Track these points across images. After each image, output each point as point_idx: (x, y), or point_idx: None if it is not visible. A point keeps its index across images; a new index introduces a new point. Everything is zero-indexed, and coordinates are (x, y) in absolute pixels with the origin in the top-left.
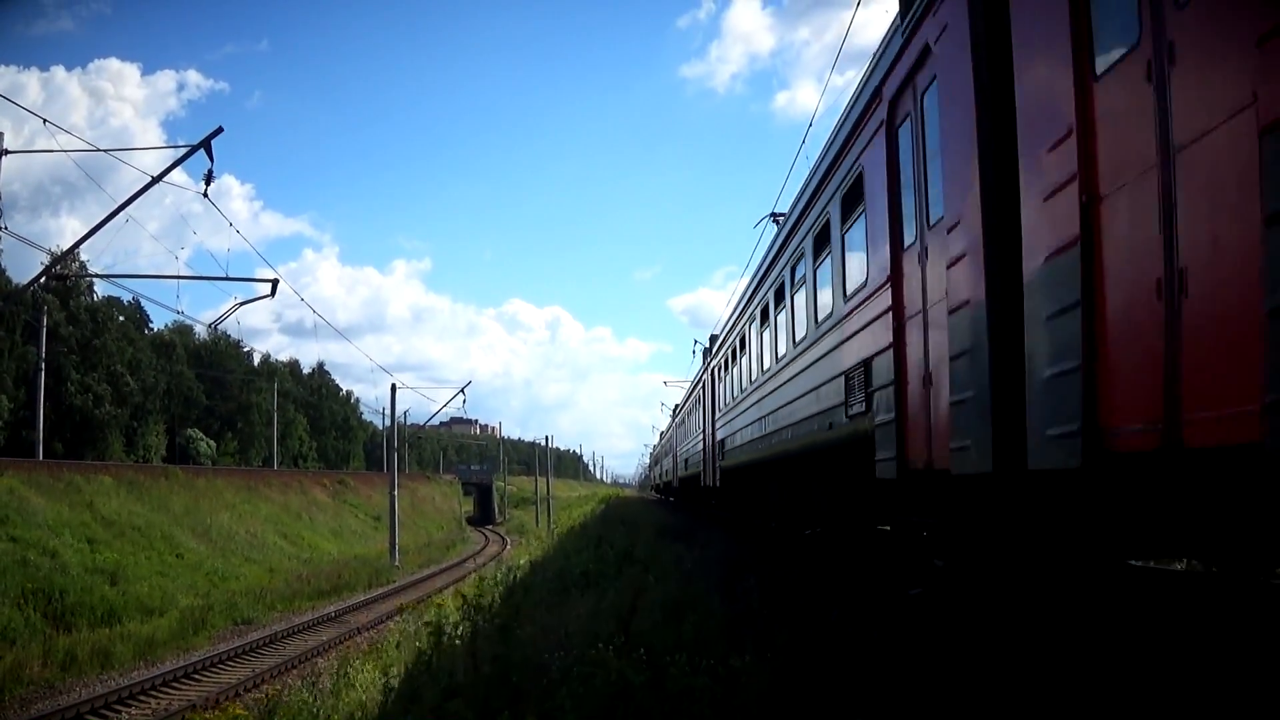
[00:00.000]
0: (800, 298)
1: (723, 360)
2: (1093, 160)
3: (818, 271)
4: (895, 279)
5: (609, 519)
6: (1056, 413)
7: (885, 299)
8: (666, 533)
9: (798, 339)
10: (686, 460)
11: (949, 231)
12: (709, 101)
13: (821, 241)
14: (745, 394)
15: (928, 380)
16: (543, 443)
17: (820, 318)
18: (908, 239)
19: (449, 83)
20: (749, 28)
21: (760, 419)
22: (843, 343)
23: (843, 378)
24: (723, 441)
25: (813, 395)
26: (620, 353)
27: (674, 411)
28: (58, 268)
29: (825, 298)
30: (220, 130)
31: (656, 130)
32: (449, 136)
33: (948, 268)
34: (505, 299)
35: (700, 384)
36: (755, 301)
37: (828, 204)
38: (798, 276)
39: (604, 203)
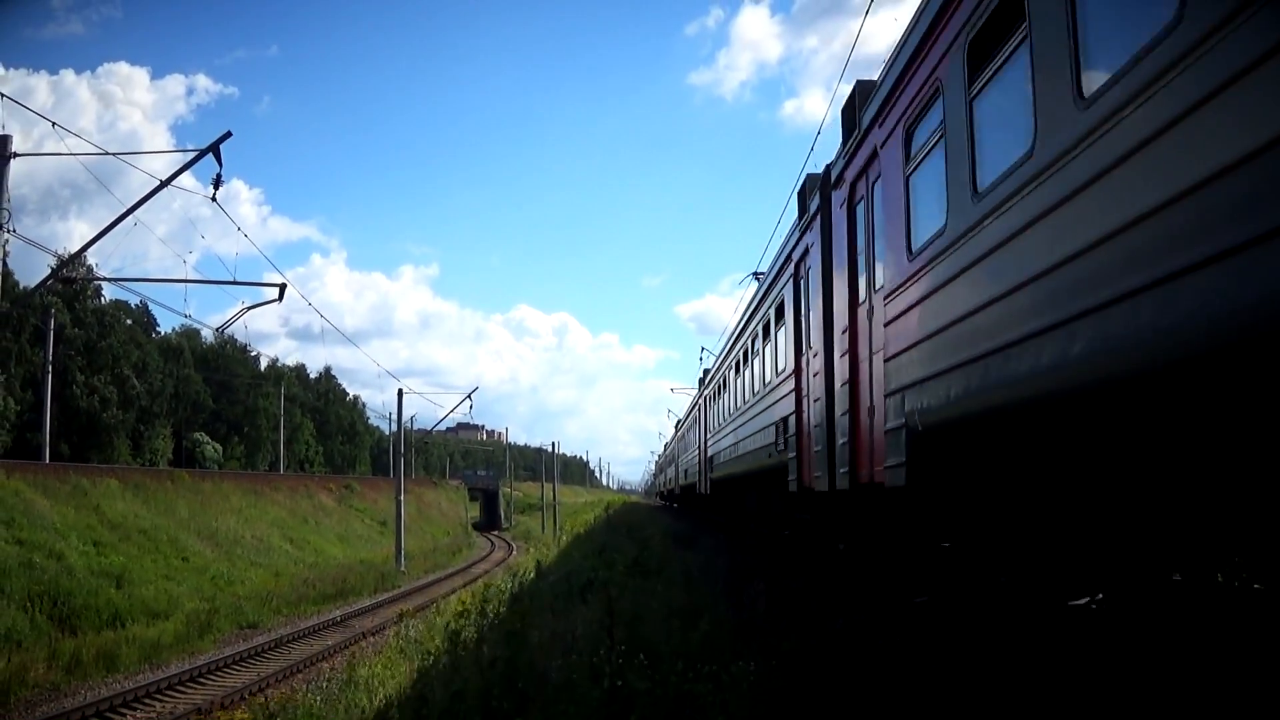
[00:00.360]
0: (757, 362)
1: (713, 390)
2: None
3: (764, 349)
4: (797, 372)
5: (615, 525)
6: (845, 462)
7: (792, 382)
8: (672, 539)
9: (755, 390)
10: (686, 470)
11: (814, 357)
12: (717, 109)
13: (766, 332)
14: (727, 421)
15: (808, 435)
16: (549, 449)
17: (766, 380)
18: (804, 348)
19: (457, 89)
20: (757, 35)
21: (735, 444)
22: (775, 403)
23: (775, 424)
24: (712, 457)
25: (761, 433)
26: (627, 359)
27: (677, 425)
28: (65, 271)
29: (769, 368)
30: (229, 135)
31: (664, 137)
32: (457, 142)
33: (812, 376)
34: (513, 305)
35: (696, 406)
36: (732, 354)
37: (769, 309)
38: (754, 348)
39: (612, 209)
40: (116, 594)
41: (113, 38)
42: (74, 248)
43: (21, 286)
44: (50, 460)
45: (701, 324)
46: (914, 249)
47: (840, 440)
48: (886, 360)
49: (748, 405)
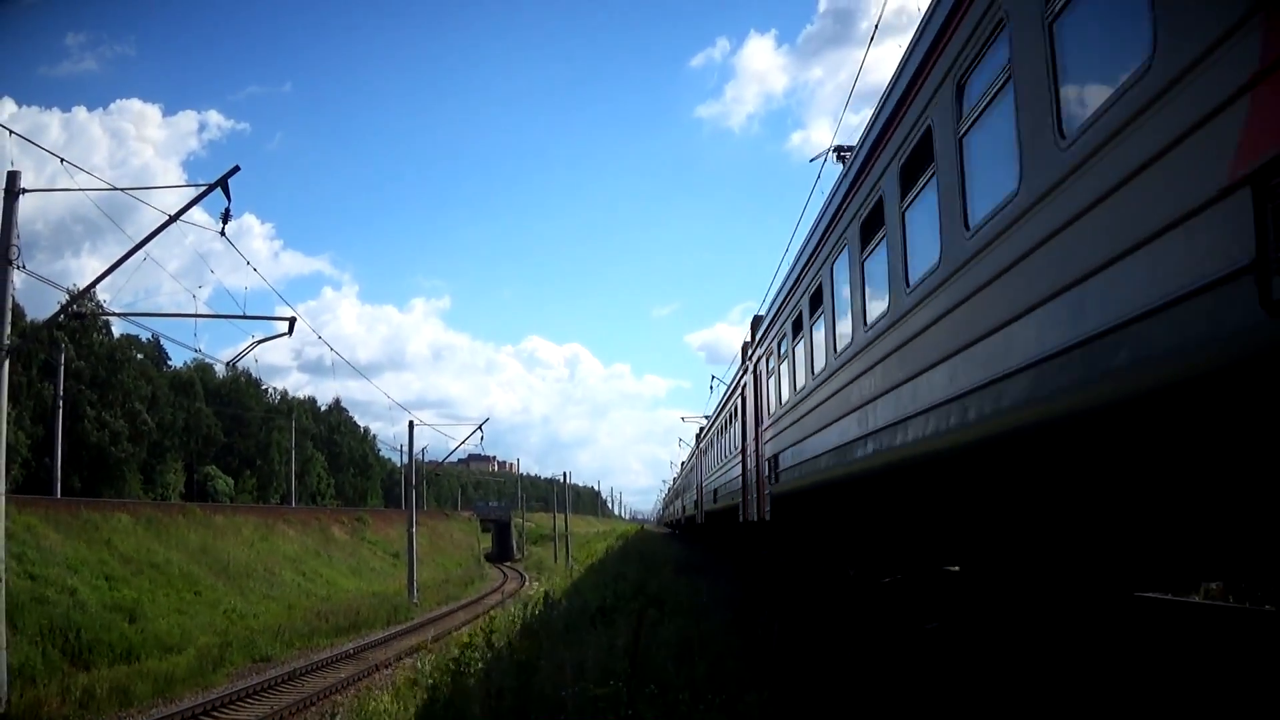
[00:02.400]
0: (729, 434)
1: (707, 444)
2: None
3: (730, 429)
4: (744, 449)
5: (627, 555)
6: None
7: (740, 455)
8: (682, 568)
9: (728, 452)
10: (688, 505)
11: (750, 440)
12: (725, 141)
13: (730, 419)
14: (715, 469)
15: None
16: (561, 479)
17: (732, 449)
18: (746, 434)
19: (467, 124)
20: (763, 67)
21: (718, 488)
22: (735, 464)
23: (736, 477)
24: (707, 495)
25: (731, 481)
26: (639, 389)
27: (683, 464)
28: (75, 306)
29: (733, 442)
30: (237, 169)
31: (673, 170)
32: (468, 177)
33: (750, 453)
34: (524, 336)
35: (694, 454)
36: (714, 424)
37: (731, 404)
38: (725, 425)
39: (622, 241)
40: (129, 628)
41: (127, 75)
42: (85, 284)
43: (28, 320)
44: (61, 495)
45: (712, 353)
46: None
47: (752, 496)
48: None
49: (725, 462)
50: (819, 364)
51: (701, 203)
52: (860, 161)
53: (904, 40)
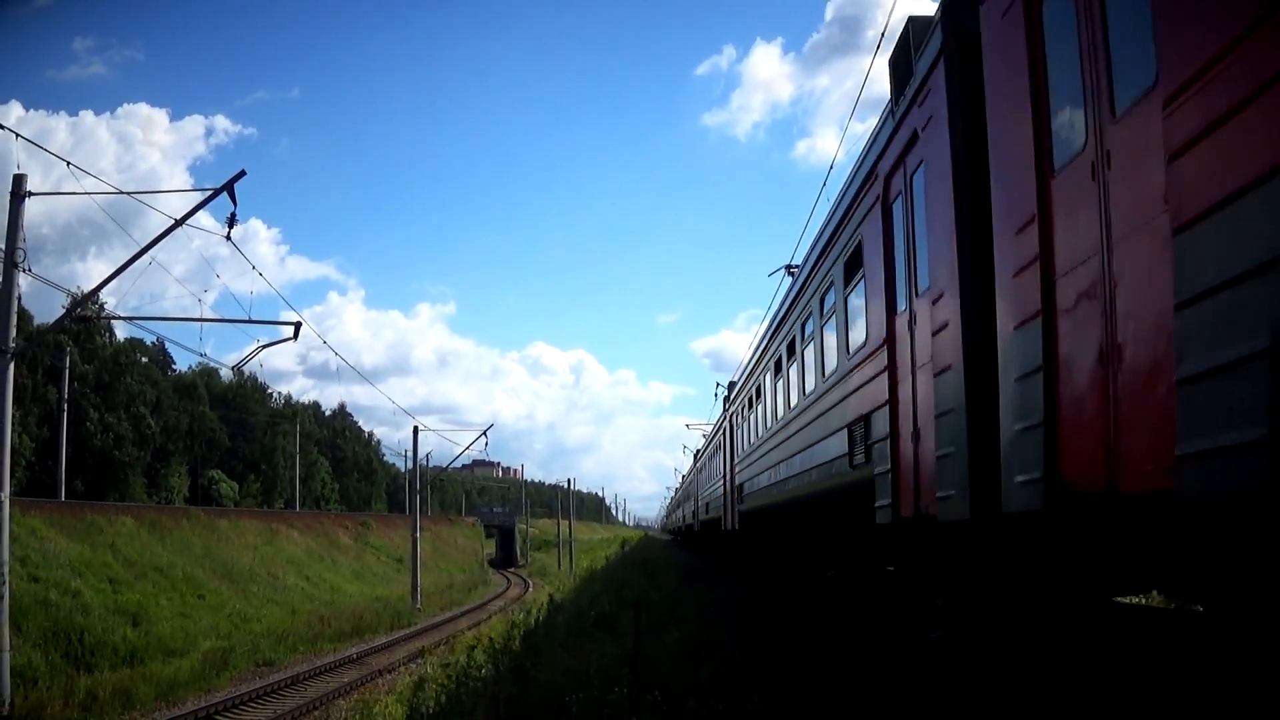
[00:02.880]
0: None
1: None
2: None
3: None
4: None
5: (631, 562)
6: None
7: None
8: (687, 575)
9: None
10: (707, 504)
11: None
12: (731, 149)
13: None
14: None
15: (727, 504)
16: (565, 485)
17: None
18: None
19: (475, 130)
20: (769, 75)
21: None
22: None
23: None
24: (742, 485)
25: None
26: (643, 396)
27: (696, 455)
28: (79, 309)
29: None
30: (243, 174)
31: (679, 178)
32: (474, 183)
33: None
34: (529, 342)
35: (720, 430)
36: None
37: (713, 439)
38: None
39: (627, 247)
40: (132, 632)
41: (135, 79)
42: (91, 288)
43: (35, 324)
44: (65, 498)
45: (716, 360)
46: (739, 452)
47: (728, 511)
48: (736, 485)
49: (713, 481)
50: (763, 428)
51: (707, 210)
52: (777, 316)
53: None
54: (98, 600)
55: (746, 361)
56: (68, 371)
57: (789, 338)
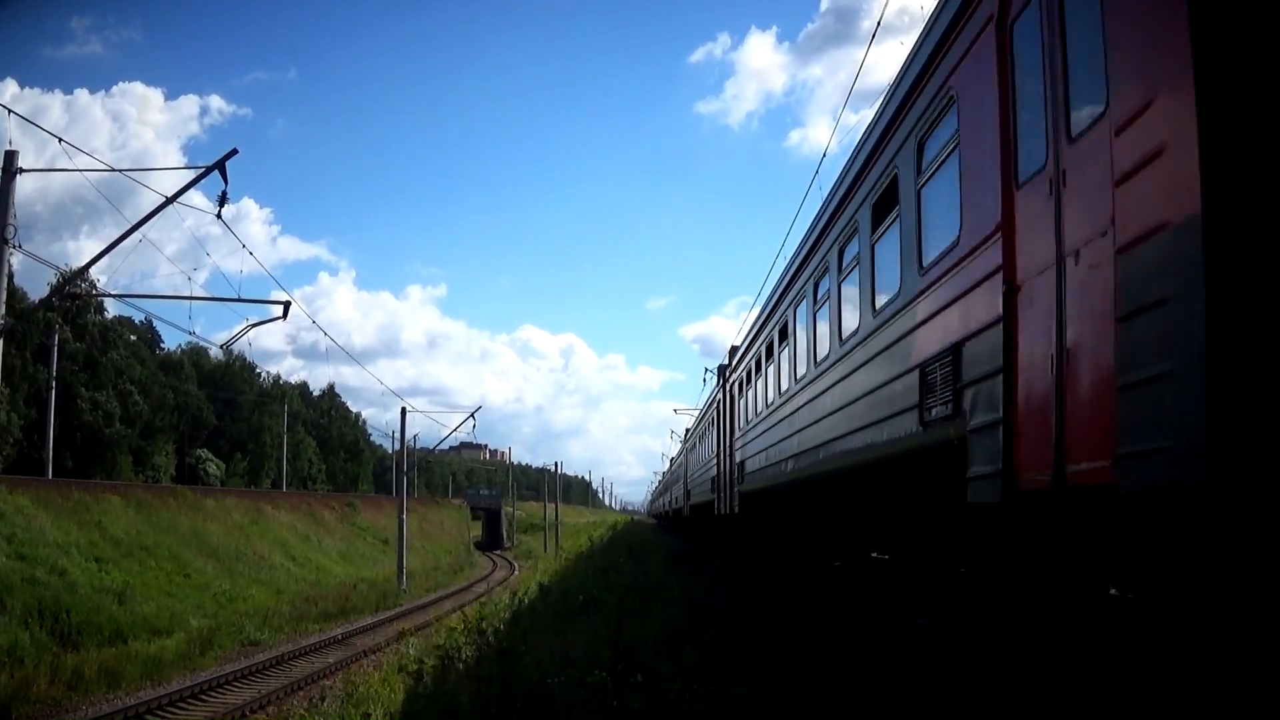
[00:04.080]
0: (704, 442)
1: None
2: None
3: (705, 438)
4: (718, 455)
5: (616, 546)
6: (727, 502)
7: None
8: (673, 560)
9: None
10: (696, 488)
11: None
12: (724, 138)
13: (706, 430)
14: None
15: (722, 486)
16: (552, 469)
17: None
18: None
19: (468, 114)
20: (762, 65)
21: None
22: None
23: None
24: (744, 462)
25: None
26: (632, 381)
27: (685, 436)
28: (69, 287)
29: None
30: (235, 152)
31: (672, 164)
32: (467, 165)
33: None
34: (519, 325)
35: (714, 404)
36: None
37: (706, 416)
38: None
39: (619, 232)
40: (118, 610)
41: (132, 59)
42: (82, 265)
43: (27, 300)
44: (53, 474)
45: (706, 346)
46: (740, 426)
47: (725, 493)
48: (736, 463)
49: (705, 463)
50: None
51: (699, 198)
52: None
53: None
54: (84, 579)
55: (754, 320)
56: (56, 349)
57: (817, 275)
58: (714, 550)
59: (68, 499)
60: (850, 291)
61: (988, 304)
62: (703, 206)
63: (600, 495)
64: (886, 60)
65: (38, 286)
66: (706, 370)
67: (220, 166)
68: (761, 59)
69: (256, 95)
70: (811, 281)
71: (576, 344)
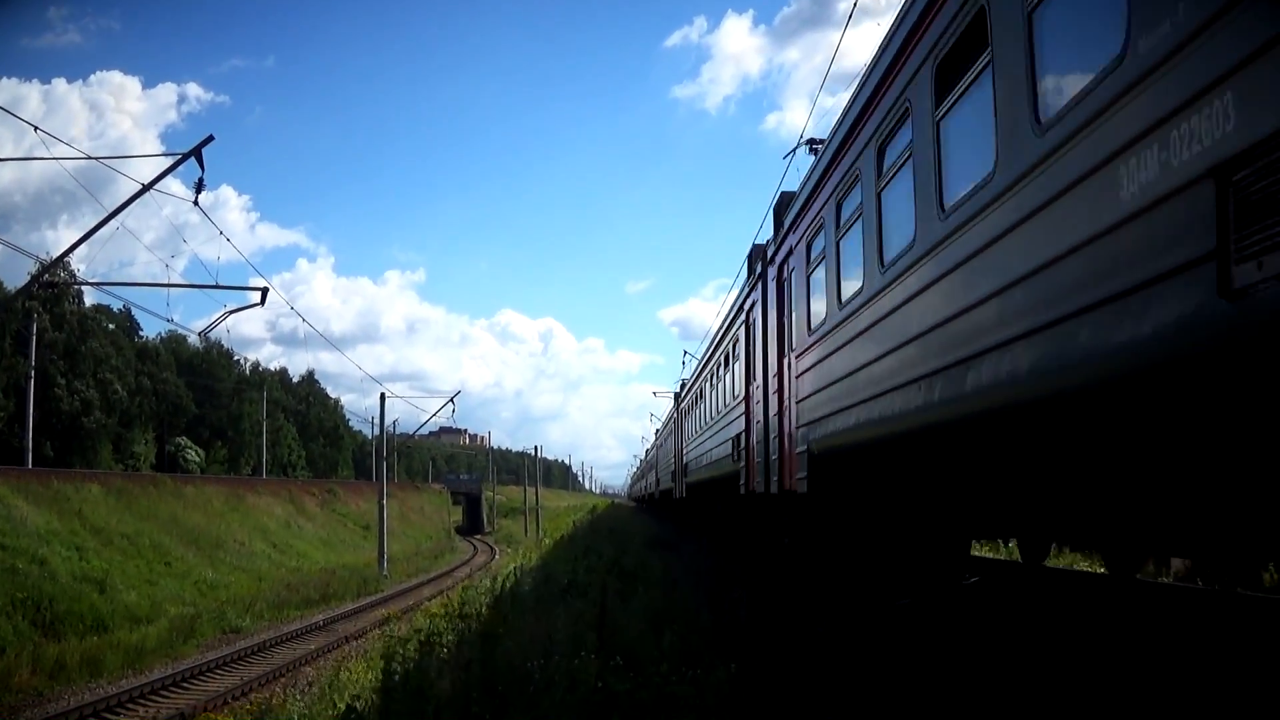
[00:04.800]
0: (721, 386)
1: (689, 403)
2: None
3: (725, 376)
4: (747, 398)
5: (598, 529)
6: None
7: (743, 407)
8: (654, 543)
9: (719, 409)
10: (663, 477)
11: (756, 389)
12: (701, 122)
13: (726, 361)
14: (699, 433)
15: (753, 450)
16: (532, 453)
17: (726, 402)
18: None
19: (445, 99)
20: (739, 49)
21: (703, 454)
22: (732, 422)
23: (731, 439)
24: (687, 464)
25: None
26: (612, 364)
27: (656, 433)
28: (47, 275)
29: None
30: (211, 139)
31: (649, 148)
32: (445, 151)
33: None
34: (498, 310)
35: (673, 418)
36: (704, 374)
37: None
38: (718, 373)
39: (597, 216)
40: (100, 599)
41: (110, 47)
42: (60, 253)
43: (4, 289)
44: (34, 464)
45: (685, 329)
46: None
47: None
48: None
49: (714, 422)
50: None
51: (677, 182)
52: None
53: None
54: (65, 568)
55: (693, 370)
56: (35, 338)
57: (712, 370)
58: (676, 526)
59: (48, 488)
60: None
61: None
62: (681, 190)
63: (580, 479)
64: (863, 43)
65: (16, 276)
66: (686, 353)
67: (197, 153)
68: (738, 43)
69: (235, 83)
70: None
71: (555, 328)
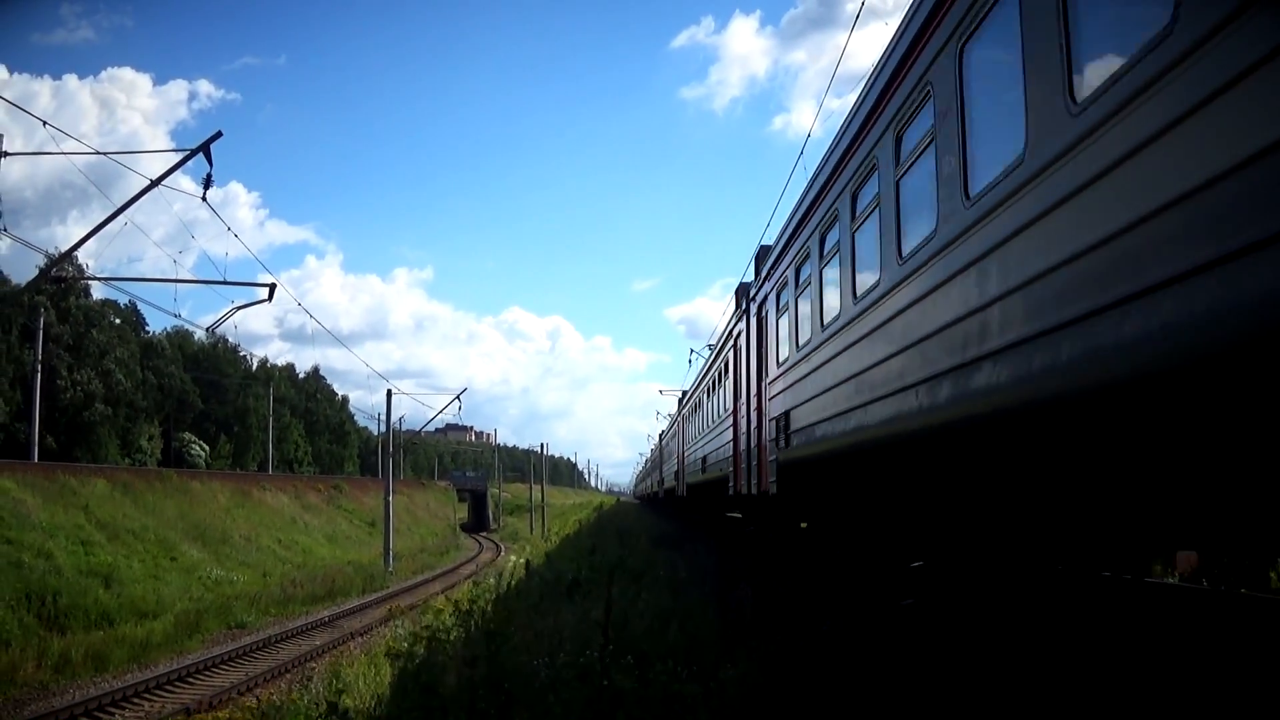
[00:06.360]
0: (717, 398)
1: (690, 409)
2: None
3: (719, 390)
4: (735, 413)
5: (604, 527)
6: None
7: (732, 420)
8: (660, 541)
9: (716, 418)
10: (667, 477)
11: (742, 405)
12: (709, 123)
13: (719, 379)
14: (699, 438)
15: (740, 457)
16: (538, 450)
17: (720, 414)
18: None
19: (455, 98)
20: (746, 50)
21: (702, 458)
22: (724, 432)
23: (724, 446)
24: (688, 466)
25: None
26: (618, 362)
27: (660, 435)
28: (55, 270)
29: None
30: (219, 135)
31: (657, 148)
32: (454, 150)
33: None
34: (506, 307)
35: (676, 422)
36: (701, 385)
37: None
38: (714, 387)
39: (605, 215)
40: (105, 594)
41: (122, 44)
42: (69, 248)
43: (12, 283)
44: (39, 457)
45: (691, 327)
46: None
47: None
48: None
49: (710, 430)
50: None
51: (685, 181)
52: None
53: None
54: (70, 562)
55: (693, 381)
56: (41, 332)
57: (708, 384)
58: (680, 523)
59: (53, 482)
60: None
61: None
62: (688, 190)
63: (586, 477)
64: (870, 44)
65: (24, 271)
66: (693, 351)
67: (205, 149)
68: (745, 44)
69: (246, 80)
70: None
71: (563, 326)
